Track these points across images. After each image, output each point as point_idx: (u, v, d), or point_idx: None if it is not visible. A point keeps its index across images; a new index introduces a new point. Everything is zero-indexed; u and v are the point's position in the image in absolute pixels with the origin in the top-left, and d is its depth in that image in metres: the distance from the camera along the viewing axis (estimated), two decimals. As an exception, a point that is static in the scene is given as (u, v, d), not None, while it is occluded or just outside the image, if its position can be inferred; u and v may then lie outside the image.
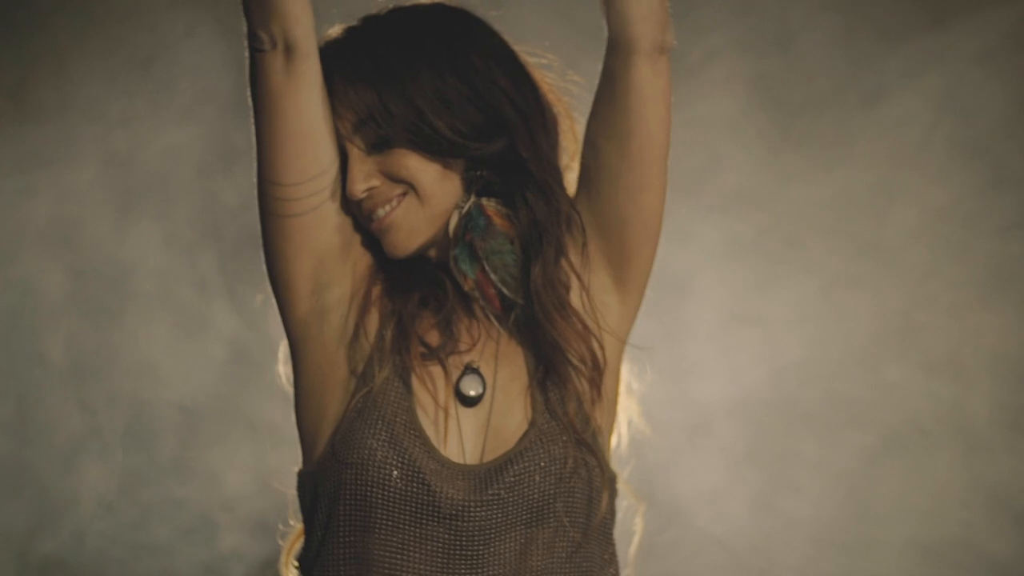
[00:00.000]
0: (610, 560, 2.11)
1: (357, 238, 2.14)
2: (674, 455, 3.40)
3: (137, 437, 3.42)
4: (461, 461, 2.05)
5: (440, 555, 2.00)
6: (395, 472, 2.01)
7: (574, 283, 2.11)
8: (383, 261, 2.14)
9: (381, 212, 2.08)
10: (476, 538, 2.01)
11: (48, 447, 3.40)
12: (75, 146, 3.42)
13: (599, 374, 2.11)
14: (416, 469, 2.01)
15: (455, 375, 2.09)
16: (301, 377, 2.12)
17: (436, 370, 2.09)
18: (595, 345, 2.10)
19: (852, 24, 3.37)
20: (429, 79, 2.04)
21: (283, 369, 2.17)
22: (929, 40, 3.36)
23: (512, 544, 2.01)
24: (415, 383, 2.08)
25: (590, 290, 2.12)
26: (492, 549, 2.01)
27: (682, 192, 3.37)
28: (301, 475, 2.12)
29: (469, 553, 2.01)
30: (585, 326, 2.10)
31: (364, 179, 2.06)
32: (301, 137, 2.03)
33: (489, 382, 2.10)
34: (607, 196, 2.10)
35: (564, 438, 2.07)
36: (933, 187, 3.36)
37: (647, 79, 2.04)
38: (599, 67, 2.09)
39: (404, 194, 2.08)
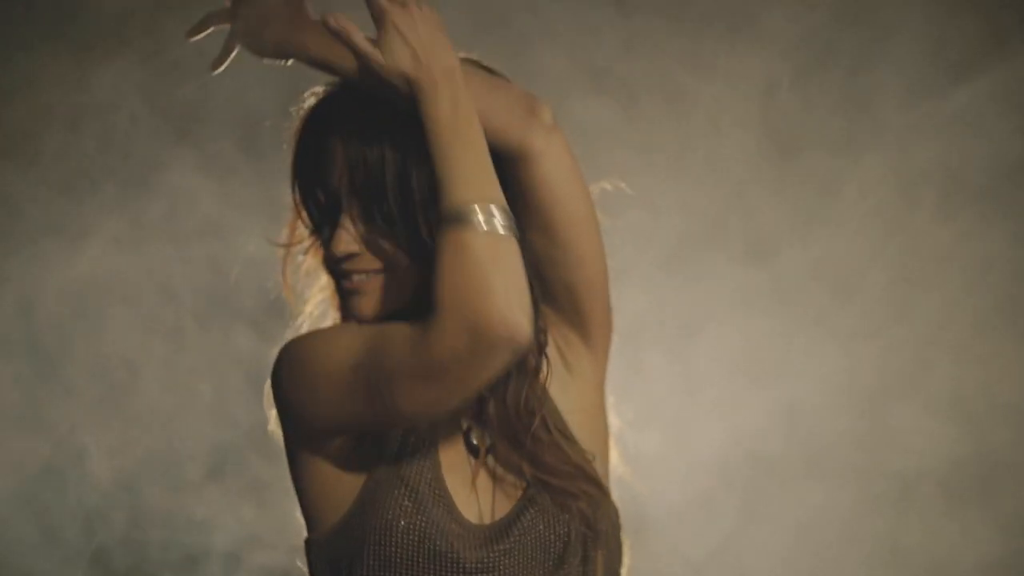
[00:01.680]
0: None
1: None
2: (683, 507, 3.42)
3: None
4: (479, 522, 2.01)
5: None
6: (417, 536, 1.97)
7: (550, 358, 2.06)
8: None
9: (356, 278, 2.01)
10: None
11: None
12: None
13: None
14: (441, 532, 1.97)
15: (462, 427, 2.04)
16: (308, 452, 2.05)
17: (448, 425, 2.04)
18: (586, 465, 2.06)
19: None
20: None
21: (274, 428, 2.09)
22: (934, 101, 3.39)
23: None
24: (440, 440, 2.03)
25: (561, 349, 2.09)
26: None
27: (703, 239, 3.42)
28: (312, 543, 2.06)
29: None
30: (560, 448, 2.05)
31: (348, 243, 1.99)
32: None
33: (491, 431, 2.05)
34: (551, 278, 2.06)
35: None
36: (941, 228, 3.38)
37: (551, 169, 2.00)
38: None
39: (381, 271, 2.01)
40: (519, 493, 2.02)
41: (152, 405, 3.39)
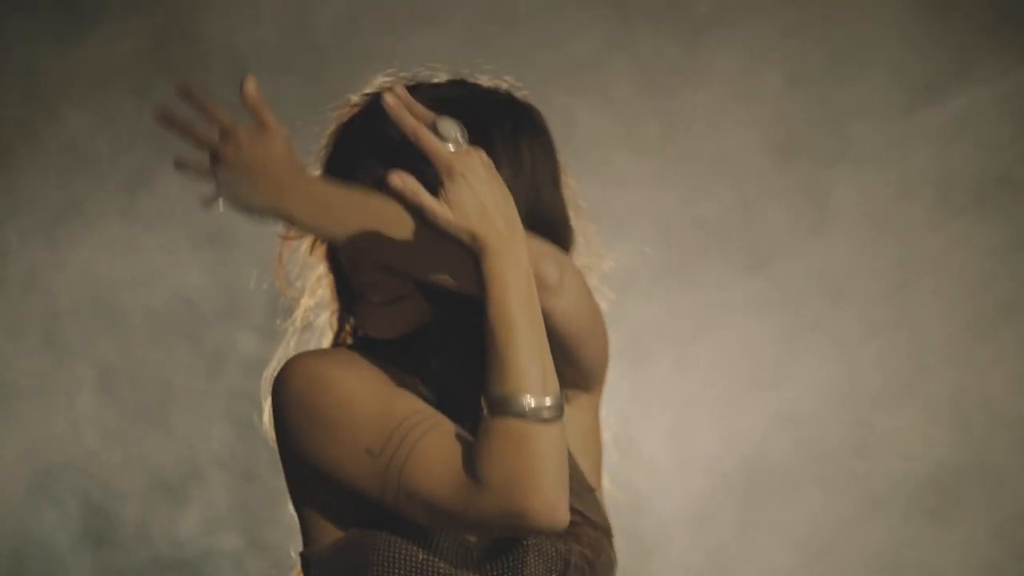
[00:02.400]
0: None
1: None
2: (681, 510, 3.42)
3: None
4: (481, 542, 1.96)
5: None
6: (420, 555, 1.92)
7: None
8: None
9: (376, 298, 1.96)
10: None
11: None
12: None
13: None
14: (440, 552, 1.92)
15: None
16: (307, 472, 1.99)
17: None
18: (593, 512, 2.03)
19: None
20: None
21: (268, 431, 2.03)
22: (932, 107, 3.40)
23: None
24: None
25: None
26: None
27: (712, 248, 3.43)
28: (310, 558, 2.01)
29: None
30: None
31: (372, 271, 1.94)
32: None
33: None
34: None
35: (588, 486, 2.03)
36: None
37: (558, 320, 1.93)
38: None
39: (398, 299, 1.95)
40: None
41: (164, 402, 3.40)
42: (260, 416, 2.04)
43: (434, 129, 1.80)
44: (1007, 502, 3.37)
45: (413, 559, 1.93)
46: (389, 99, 1.79)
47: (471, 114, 1.90)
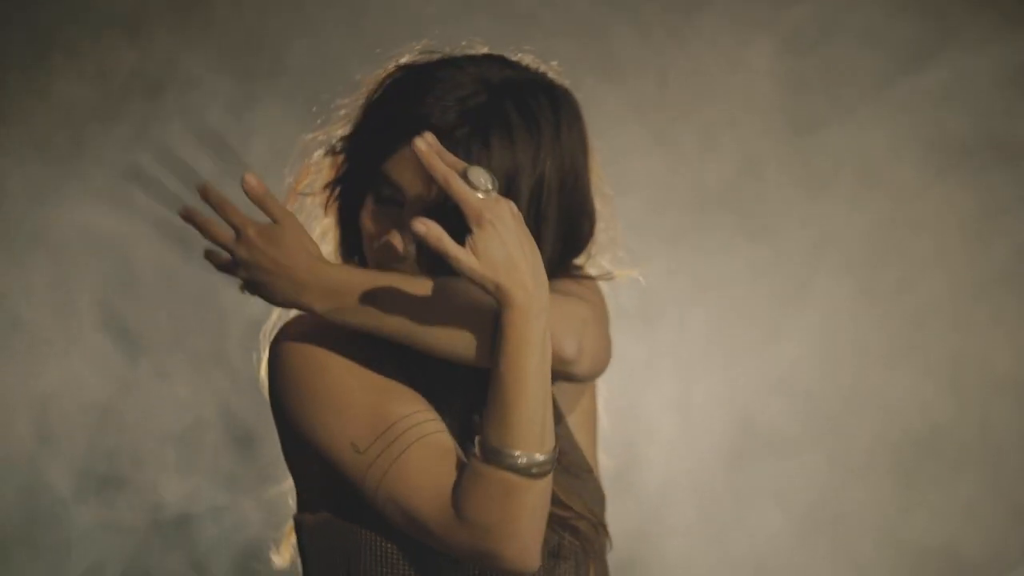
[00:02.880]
0: None
1: None
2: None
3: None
4: None
5: None
6: (408, 540, 1.92)
7: None
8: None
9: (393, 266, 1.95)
10: None
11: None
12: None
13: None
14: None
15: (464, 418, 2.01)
16: (301, 442, 1.99)
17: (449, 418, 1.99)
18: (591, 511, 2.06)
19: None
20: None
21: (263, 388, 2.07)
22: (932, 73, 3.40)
23: None
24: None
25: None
26: None
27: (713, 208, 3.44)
28: (303, 525, 2.03)
29: None
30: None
31: (405, 246, 1.94)
32: None
33: None
34: None
35: (588, 465, 2.05)
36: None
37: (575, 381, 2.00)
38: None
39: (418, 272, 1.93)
40: None
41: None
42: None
43: (464, 176, 1.80)
44: (1006, 464, 3.38)
45: (401, 545, 1.93)
46: (420, 145, 1.79)
47: (516, 95, 1.92)
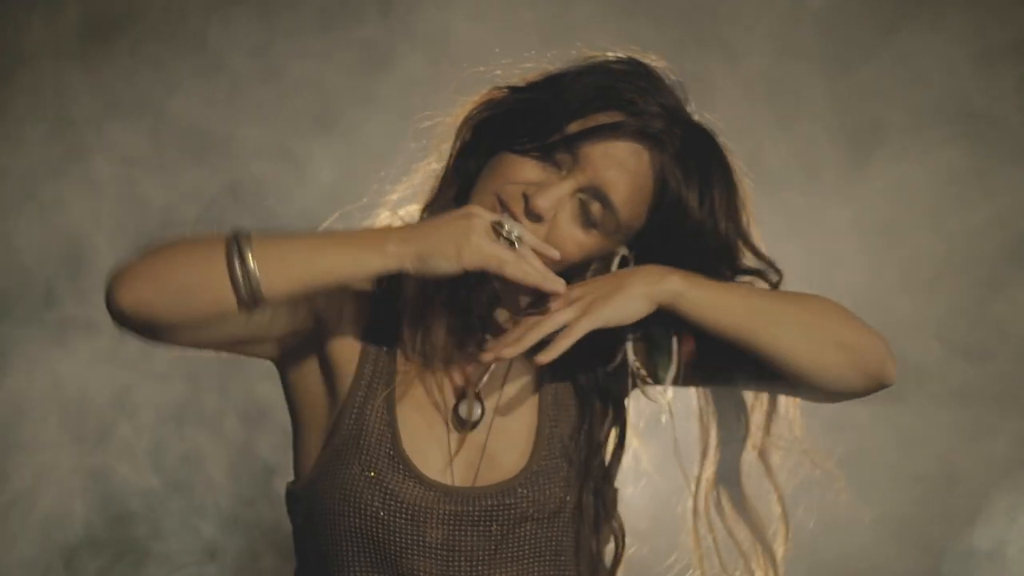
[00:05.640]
0: None
1: None
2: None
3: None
4: (449, 483, 1.99)
5: None
6: (377, 503, 1.96)
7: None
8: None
9: (515, 229, 1.94)
10: (466, 571, 1.98)
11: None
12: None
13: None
14: (398, 500, 1.96)
15: (455, 394, 2.03)
16: (287, 392, 2.08)
17: (435, 387, 2.03)
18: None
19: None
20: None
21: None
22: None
23: None
24: (407, 404, 2.02)
25: None
26: None
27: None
28: (292, 493, 2.06)
29: None
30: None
31: (550, 209, 1.95)
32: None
33: (490, 406, 2.03)
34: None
35: (563, 475, 2.02)
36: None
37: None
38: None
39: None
40: (511, 472, 2.01)
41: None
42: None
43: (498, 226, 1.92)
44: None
45: (372, 512, 1.96)
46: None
47: (672, 145, 1.98)
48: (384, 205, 2.09)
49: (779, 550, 2.08)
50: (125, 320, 1.84)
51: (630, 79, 1.98)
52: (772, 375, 1.96)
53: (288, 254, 1.85)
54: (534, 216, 1.94)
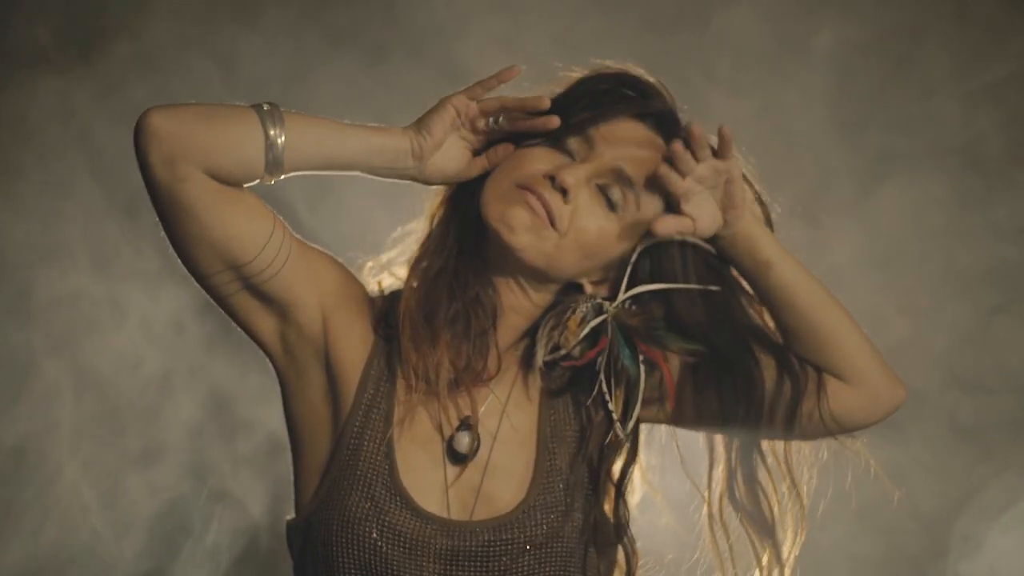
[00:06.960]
0: None
1: (324, 275, 2.06)
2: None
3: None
4: (445, 516, 1.99)
5: None
6: (375, 534, 1.95)
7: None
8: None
9: (533, 211, 1.98)
10: None
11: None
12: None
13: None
14: (396, 532, 1.95)
15: (451, 426, 2.03)
16: (289, 420, 2.07)
17: (435, 416, 2.03)
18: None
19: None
20: None
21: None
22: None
23: None
24: (406, 433, 2.02)
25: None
26: None
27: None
28: (292, 527, 2.05)
29: None
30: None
31: (576, 185, 1.99)
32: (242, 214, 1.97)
33: (488, 438, 2.03)
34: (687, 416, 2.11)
35: (561, 509, 2.02)
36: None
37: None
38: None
39: (564, 235, 2.00)
40: (508, 507, 2.00)
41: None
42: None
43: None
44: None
45: (368, 539, 1.95)
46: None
47: (677, 128, 2.05)
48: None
49: (790, 551, 2.09)
50: (151, 139, 1.86)
51: (631, 79, 2.07)
52: (760, 414, 2.00)
53: (314, 120, 1.95)
54: (561, 190, 1.97)
